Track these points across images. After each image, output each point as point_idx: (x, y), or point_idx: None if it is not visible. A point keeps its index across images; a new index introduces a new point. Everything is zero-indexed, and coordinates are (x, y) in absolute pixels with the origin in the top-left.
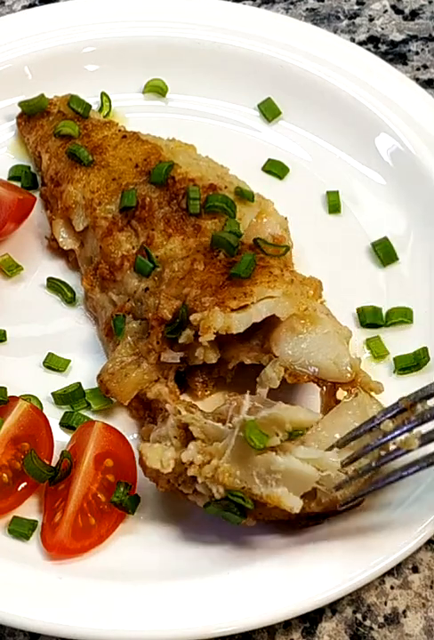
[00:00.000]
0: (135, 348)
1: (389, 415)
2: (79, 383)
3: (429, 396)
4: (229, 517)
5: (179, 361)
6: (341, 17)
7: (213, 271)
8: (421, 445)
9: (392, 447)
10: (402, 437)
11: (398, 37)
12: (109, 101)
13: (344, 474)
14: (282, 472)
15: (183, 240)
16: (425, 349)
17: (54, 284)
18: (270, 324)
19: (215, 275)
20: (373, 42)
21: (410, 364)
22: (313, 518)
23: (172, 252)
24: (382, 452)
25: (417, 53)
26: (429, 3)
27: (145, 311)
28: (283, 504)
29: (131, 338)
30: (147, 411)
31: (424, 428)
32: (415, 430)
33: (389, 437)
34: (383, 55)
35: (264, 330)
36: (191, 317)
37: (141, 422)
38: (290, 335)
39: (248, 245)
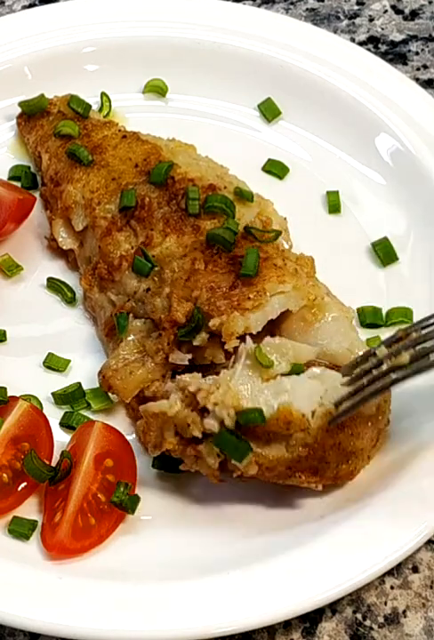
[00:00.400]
0: (140, 347)
1: (385, 343)
2: (79, 383)
3: (425, 327)
4: (239, 447)
5: (187, 362)
6: (341, 17)
7: (218, 270)
8: (412, 362)
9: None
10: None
11: (398, 37)
12: (109, 101)
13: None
14: (289, 391)
15: (178, 238)
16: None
17: (54, 284)
18: (278, 316)
19: (221, 274)
20: (373, 42)
21: None
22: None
23: (168, 250)
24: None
25: (417, 53)
26: (430, 3)
27: (151, 312)
28: (294, 413)
29: (134, 336)
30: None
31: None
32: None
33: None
34: (383, 55)
35: (270, 322)
36: (210, 323)
37: (136, 421)
38: (302, 326)
39: (240, 235)
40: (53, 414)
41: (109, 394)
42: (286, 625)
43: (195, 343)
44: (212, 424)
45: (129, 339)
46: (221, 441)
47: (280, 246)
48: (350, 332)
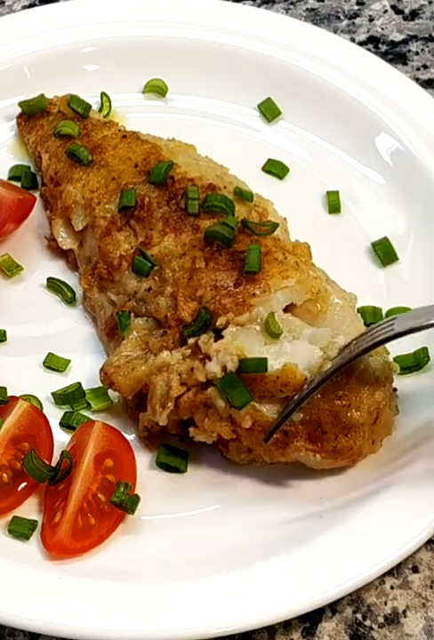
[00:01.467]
0: (142, 344)
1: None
2: (79, 383)
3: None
4: (242, 393)
5: None
6: (341, 17)
7: (219, 268)
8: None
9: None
10: None
11: (398, 37)
12: (109, 101)
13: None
14: (289, 353)
15: (176, 236)
16: (425, 349)
17: (54, 284)
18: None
19: (223, 271)
20: (373, 42)
21: (410, 364)
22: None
23: (167, 249)
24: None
25: (417, 53)
26: (430, 3)
27: (154, 311)
28: (298, 375)
29: (136, 334)
30: (141, 409)
31: None
32: None
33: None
34: (383, 55)
35: None
36: (218, 323)
37: (135, 420)
38: (308, 319)
39: (238, 229)
40: (53, 414)
41: (110, 392)
42: (286, 625)
43: (200, 342)
44: (214, 369)
45: (131, 336)
46: (227, 383)
47: (277, 237)
48: (356, 322)
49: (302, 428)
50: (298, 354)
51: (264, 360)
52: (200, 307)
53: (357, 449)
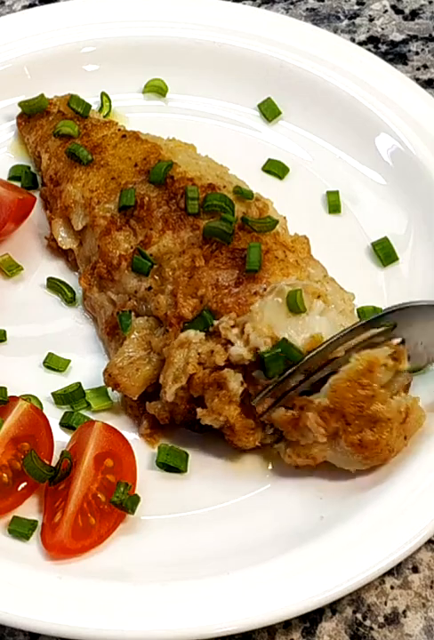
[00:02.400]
0: (144, 344)
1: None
2: (79, 383)
3: None
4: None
5: None
6: (341, 17)
7: (220, 265)
8: None
9: None
10: None
11: (398, 37)
12: (109, 101)
13: None
14: (312, 327)
15: (174, 233)
16: None
17: (54, 284)
18: None
19: (223, 269)
20: (373, 42)
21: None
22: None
23: (165, 248)
24: None
25: (417, 53)
26: (430, 3)
27: (155, 309)
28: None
29: (138, 333)
30: (141, 409)
31: None
32: None
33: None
34: (383, 55)
35: None
36: (221, 327)
37: (135, 420)
38: None
39: (238, 226)
40: (53, 414)
41: (111, 392)
42: (286, 625)
43: (221, 328)
44: (239, 352)
45: (133, 336)
46: (271, 358)
47: (277, 233)
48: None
49: (324, 412)
50: (323, 326)
51: (299, 350)
52: (202, 307)
53: (386, 449)
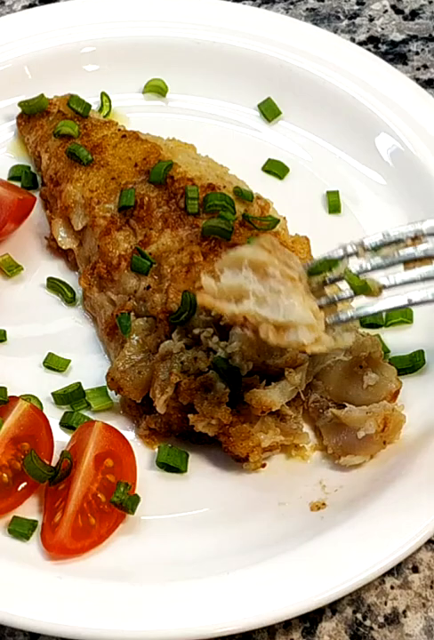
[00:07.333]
0: (144, 346)
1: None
2: (79, 383)
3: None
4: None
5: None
6: (341, 17)
7: (217, 259)
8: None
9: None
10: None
11: (398, 37)
12: (109, 101)
13: None
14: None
15: (173, 231)
16: (421, 352)
17: (54, 284)
18: None
19: None
20: (373, 42)
21: (406, 366)
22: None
23: (164, 246)
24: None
25: (417, 53)
26: (430, 3)
27: (151, 308)
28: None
29: (137, 335)
30: (140, 410)
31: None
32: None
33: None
34: (383, 55)
35: None
36: (203, 334)
37: (134, 420)
38: None
39: (238, 222)
40: (53, 414)
41: (111, 394)
42: (286, 625)
43: (202, 337)
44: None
45: (133, 339)
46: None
47: (278, 232)
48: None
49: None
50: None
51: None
52: (185, 291)
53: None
